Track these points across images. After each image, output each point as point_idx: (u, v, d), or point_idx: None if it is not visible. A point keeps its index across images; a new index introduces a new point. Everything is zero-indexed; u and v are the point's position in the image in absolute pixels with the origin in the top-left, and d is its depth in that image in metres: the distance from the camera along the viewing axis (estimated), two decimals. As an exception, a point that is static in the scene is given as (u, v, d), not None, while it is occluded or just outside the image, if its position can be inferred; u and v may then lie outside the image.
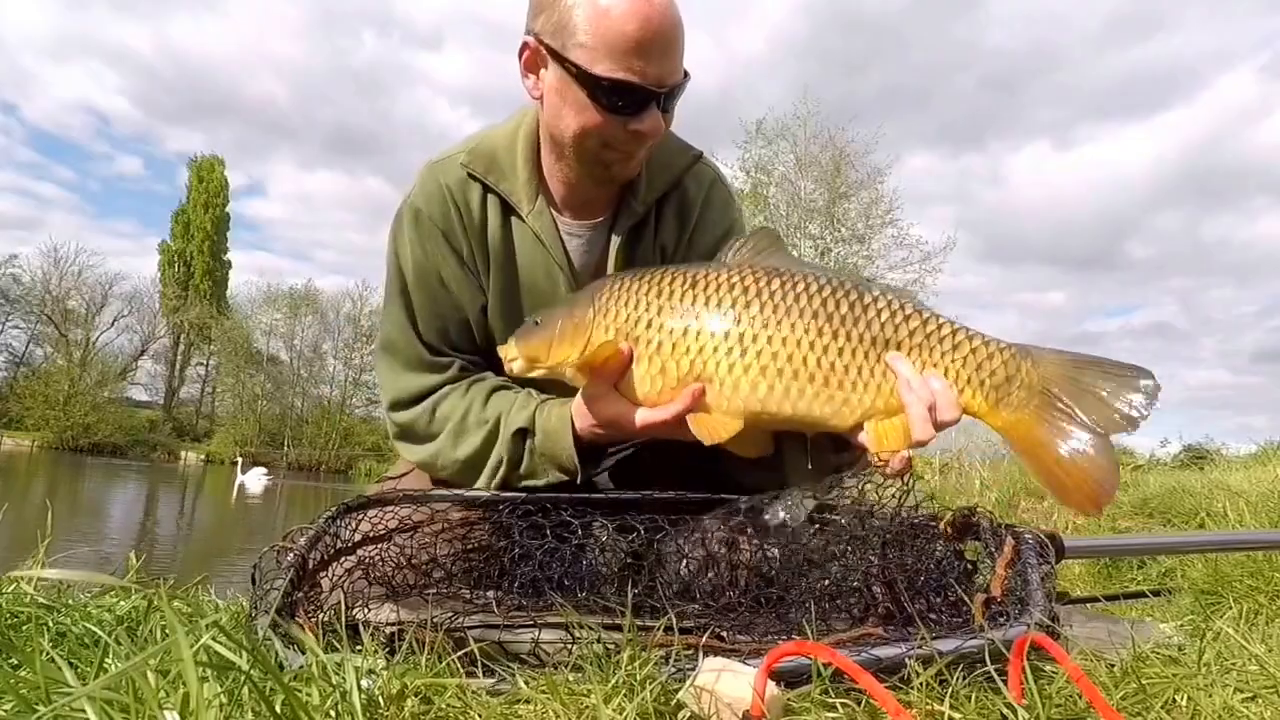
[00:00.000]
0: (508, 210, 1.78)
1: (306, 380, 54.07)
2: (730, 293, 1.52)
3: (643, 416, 1.54)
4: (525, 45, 1.65)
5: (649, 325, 1.54)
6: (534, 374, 1.64)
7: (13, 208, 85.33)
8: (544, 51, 1.62)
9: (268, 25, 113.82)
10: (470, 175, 1.77)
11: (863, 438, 1.49)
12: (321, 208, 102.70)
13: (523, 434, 1.69)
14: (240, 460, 35.07)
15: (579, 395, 1.62)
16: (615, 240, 1.81)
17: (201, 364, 58.19)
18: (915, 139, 77.17)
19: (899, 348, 1.49)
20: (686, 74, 1.64)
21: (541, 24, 1.60)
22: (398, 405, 1.80)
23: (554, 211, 1.81)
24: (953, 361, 1.50)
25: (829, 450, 1.61)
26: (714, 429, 1.50)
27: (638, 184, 1.80)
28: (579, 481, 1.68)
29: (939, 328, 1.51)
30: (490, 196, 1.78)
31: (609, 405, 1.57)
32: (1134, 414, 1.45)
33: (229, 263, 59.85)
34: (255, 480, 30.12)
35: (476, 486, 1.73)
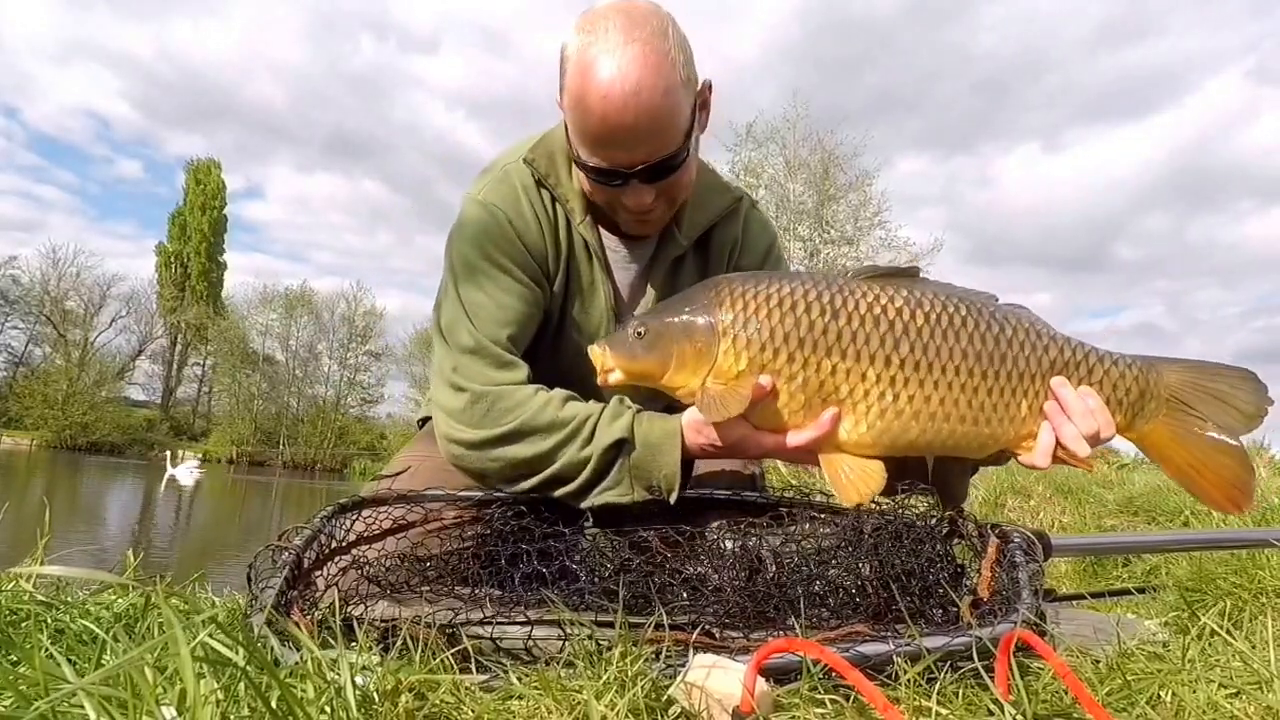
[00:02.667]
0: (566, 214, 1.82)
1: (302, 380, 54.07)
2: (877, 327, 1.46)
3: (776, 441, 1.50)
4: (560, 91, 1.70)
5: (789, 359, 1.46)
6: (633, 384, 1.57)
7: (14, 210, 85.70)
8: (560, 102, 1.68)
9: (266, 30, 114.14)
10: (534, 175, 1.80)
11: (1031, 459, 1.51)
12: (319, 210, 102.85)
13: (620, 445, 1.59)
14: (169, 454, 35.72)
15: (691, 411, 1.55)
16: (657, 269, 1.88)
17: (198, 364, 58.27)
18: (906, 142, 77.39)
19: (1045, 379, 1.51)
20: (683, 148, 1.63)
21: (559, 86, 1.66)
22: (456, 387, 1.69)
23: (600, 227, 1.86)
24: (1092, 385, 1.52)
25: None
26: (856, 484, 1.46)
27: (681, 218, 1.86)
28: (671, 502, 1.59)
29: (1074, 353, 1.54)
30: (553, 197, 1.82)
31: (735, 427, 1.51)
32: (1251, 411, 1.53)
33: (225, 264, 59.90)
34: (186, 473, 30.30)
35: (520, 488, 1.65)
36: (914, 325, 1.47)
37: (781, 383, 1.47)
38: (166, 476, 29.22)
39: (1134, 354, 1.58)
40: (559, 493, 1.63)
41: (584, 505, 1.62)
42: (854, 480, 1.46)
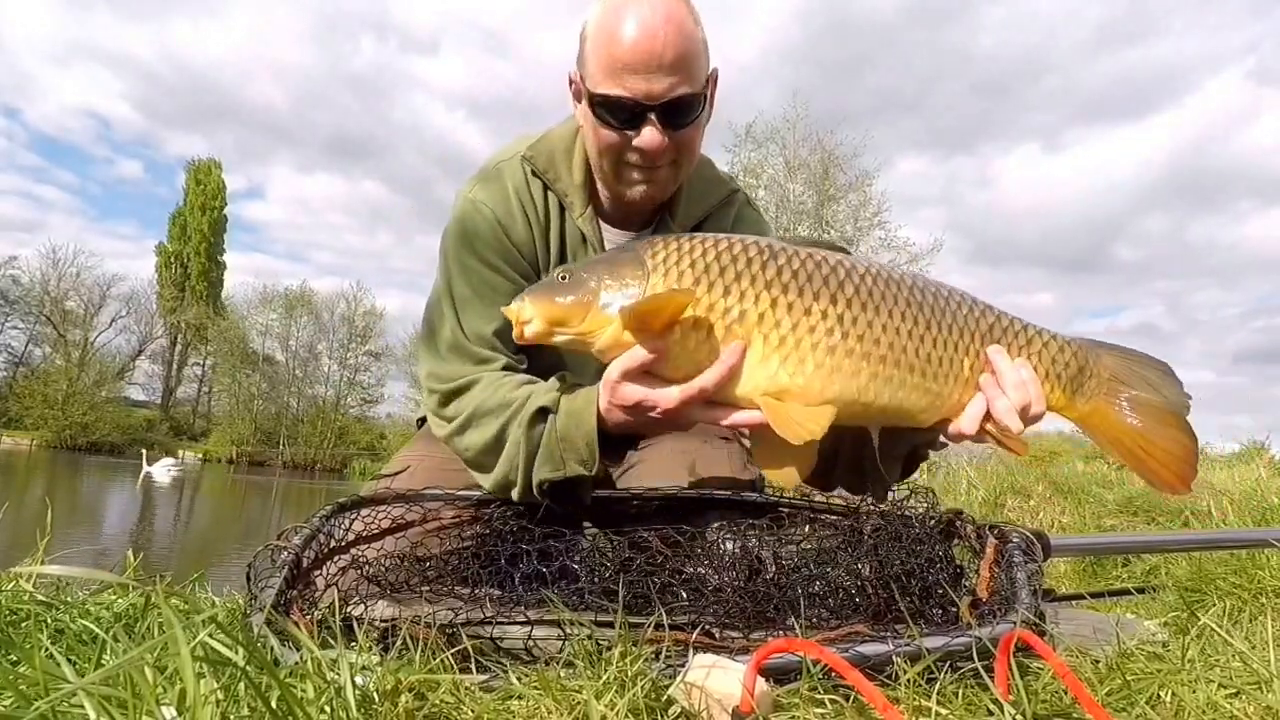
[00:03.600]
0: (562, 209, 1.85)
1: (302, 380, 54.07)
2: (819, 269, 1.38)
3: (683, 390, 1.35)
4: (570, 80, 1.77)
5: (726, 292, 1.34)
6: (554, 340, 1.43)
7: (15, 210, 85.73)
8: (576, 82, 1.74)
9: (268, 31, 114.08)
10: (531, 171, 1.83)
11: (959, 426, 1.45)
12: (319, 210, 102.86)
13: (544, 414, 1.55)
14: (145, 452, 35.52)
15: (608, 371, 1.42)
16: None
17: (198, 364, 58.25)
18: (907, 143, 77.34)
19: (983, 341, 1.46)
20: (701, 95, 1.66)
21: (576, 58, 1.73)
22: (431, 390, 1.74)
23: (600, 219, 1.88)
24: (1029, 356, 1.48)
25: (899, 445, 1.57)
26: (804, 422, 1.31)
27: (676, 205, 1.88)
28: (595, 475, 1.53)
29: (1012, 323, 1.50)
30: (550, 193, 1.85)
31: (639, 384, 1.40)
32: (1183, 398, 1.51)
33: (225, 264, 59.94)
34: (162, 471, 30.61)
35: (492, 481, 1.62)
36: (856, 273, 1.40)
37: (726, 321, 1.34)
38: (143, 474, 29.36)
39: (1074, 335, 1.54)
40: (516, 490, 1.59)
41: (530, 492, 1.56)
42: (801, 419, 1.32)
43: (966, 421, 1.44)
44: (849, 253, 1.47)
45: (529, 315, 1.40)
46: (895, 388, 1.39)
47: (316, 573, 1.44)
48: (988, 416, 1.44)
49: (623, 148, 1.69)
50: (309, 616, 1.22)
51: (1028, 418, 1.44)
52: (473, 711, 0.98)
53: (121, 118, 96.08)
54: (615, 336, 1.36)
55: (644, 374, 1.39)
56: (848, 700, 1.00)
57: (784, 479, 1.43)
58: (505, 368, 1.72)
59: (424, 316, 1.86)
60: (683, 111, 1.65)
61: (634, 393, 1.39)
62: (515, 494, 1.60)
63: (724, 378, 1.33)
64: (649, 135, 1.65)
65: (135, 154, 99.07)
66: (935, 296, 1.45)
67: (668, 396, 1.37)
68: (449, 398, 1.70)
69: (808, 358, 1.34)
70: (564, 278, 1.41)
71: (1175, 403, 1.51)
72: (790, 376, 1.34)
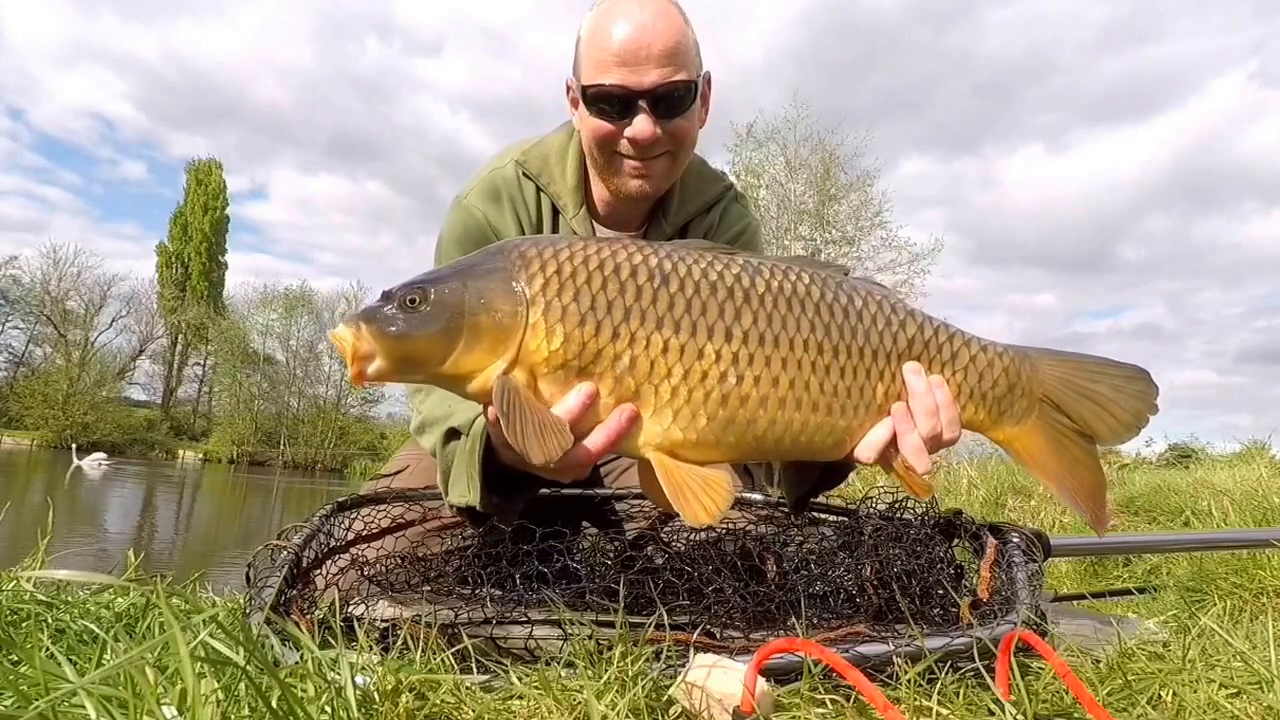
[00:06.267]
0: (555, 211, 1.88)
1: (302, 380, 54.12)
2: (714, 295, 1.21)
3: (566, 455, 1.13)
4: (567, 86, 1.81)
5: (615, 335, 1.16)
6: (405, 381, 1.23)
7: (18, 211, 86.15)
8: (572, 87, 1.78)
9: (272, 32, 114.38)
10: (524, 175, 1.86)
11: (858, 456, 1.30)
12: (322, 211, 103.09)
13: (454, 436, 1.46)
14: (75, 446, 35.81)
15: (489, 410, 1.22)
16: None
17: (199, 364, 58.35)
18: (910, 143, 77.37)
19: (900, 360, 1.30)
20: (692, 85, 1.69)
21: (572, 64, 1.77)
22: (414, 425, 1.72)
23: (593, 220, 1.91)
24: (953, 373, 1.33)
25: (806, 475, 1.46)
26: (702, 500, 1.15)
27: (669, 205, 1.90)
28: (481, 509, 1.39)
29: (935, 334, 1.34)
30: (543, 196, 1.88)
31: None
32: (1130, 419, 1.35)
33: (226, 264, 59.98)
34: (92, 465, 30.74)
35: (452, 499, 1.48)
36: (755, 293, 1.23)
37: (605, 365, 1.17)
38: (72, 468, 29.50)
39: (1009, 344, 1.38)
40: (447, 492, 1.47)
41: (454, 508, 1.45)
42: (698, 494, 1.16)
43: (865, 450, 1.28)
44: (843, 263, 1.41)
45: (368, 349, 1.15)
46: (798, 430, 1.24)
47: (316, 572, 1.44)
48: (894, 446, 1.28)
49: (615, 138, 1.71)
50: (309, 616, 1.22)
51: (938, 446, 1.30)
52: (473, 711, 0.98)
53: (125, 119, 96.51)
54: (484, 390, 1.16)
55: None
56: (848, 700, 1.00)
57: (705, 520, 1.18)
58: None
59: None
60: (673, 102, 1.68)
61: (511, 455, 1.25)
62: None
63: (612, 442, 1.17)
64: (640, 123, 1.67)
65: (139, 155, 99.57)
66: (846, 313, 1.27)
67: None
68: (422, 394, 1.70)
69: (699, 411, 1.19)
70: (414, 300, 1.16)
71: (1120, 423, 1.35)
72: (683, 432, 1.19)
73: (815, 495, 1.52)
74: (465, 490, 1.40)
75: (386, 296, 1.18)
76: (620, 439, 1.17)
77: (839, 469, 1.44)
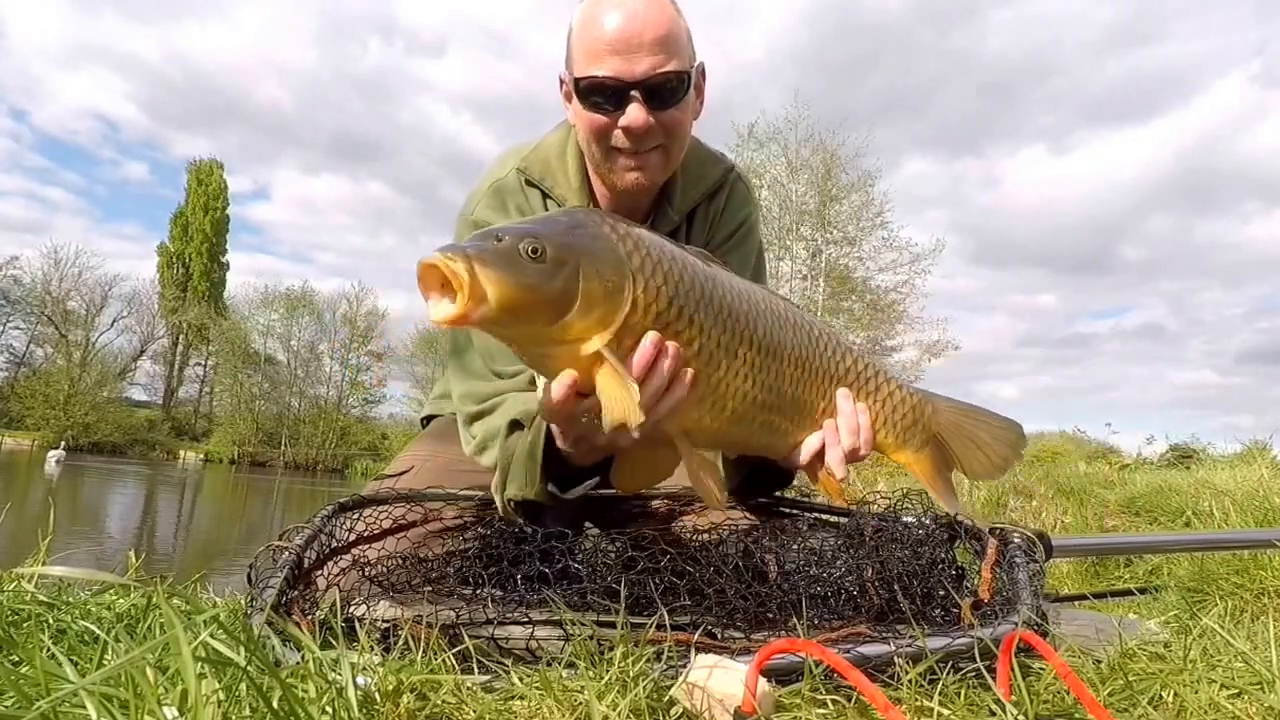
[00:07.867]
0: None
1: (303, 380, 54.15)
2: (739, 304, 1.33)
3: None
4: (561, 81, 1.80)
5: (690, 322, 1.24)
6: (494, 333, 1.17)
7: (21, 211, 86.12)
8: (565, 81, 1.76)
9: (274, 33, 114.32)
10: (527, 182, 1.86)
11: (794, 460, 1.50)
12: (324, 211, 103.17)
13: (516, 428, 1.52)
14: (60, 446, 36.58)
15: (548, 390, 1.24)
16: None
17: (200, 364, 58.42)
18: (912, 144, 77.14)
19: (836, 384, 1.50)
20: (685, 75, 1.68)
21: (565, 59, 1.76)
22: (464, 411, 1.77)
23: None
24: (873, 402, 1.54)
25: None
26: (717, 493, 1.33)
27: (673, 193, 1.89)
28: (545, 503, 1.46)
29: (865, 368, 1.55)
30: (548, 200, 1.87)
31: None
32: (999, 463, 1.62)
33: (227, 264, 60.03)
34: (51, 463, 30.95)
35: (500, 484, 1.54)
36: (760, 309, 1.37)
37: (684, 345, 1.23)
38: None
39: (918, 388, 1.64)
40: (503, 491, 1.52)
41: (509, 503, 1.51)
42: (712, 477, 1.32)
43: (803, 454, 1.48)
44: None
45: (479, 289, 1.05)
46: (772, 430, 1.43)
47: (318, 573, 1.44)
48: (820, 456, 1.48)
49: (609, 129, 1.70)
50: (310, 617, 1.22)
51: (854, 459, 1.51)
52: (474, 712, 0.98)
53: (128, 119, 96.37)
54: (574, 358, 1.14)
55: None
56: (850, 701, 1.00)
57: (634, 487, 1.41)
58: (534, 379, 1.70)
59: (449, 334, 1.88)
60: (666, 92, 1.67)
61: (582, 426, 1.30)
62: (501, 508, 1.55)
63: (669, 406, 1.21)
64: (634, 113, 1.66)
65: (141, 155, 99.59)
66: (809, 336, 1.46)
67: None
68: (475, 418, 1.73)
69: (727, 403, 1.30)
70: (535, 251, 1.09)
71: (990, 463, 1.61)
72: (711, 419, 1.28)
73: (763, 495, 1.72)
74: (524, 484, 1.46)
75: (494, 237, 1.10)
76: (674, 407, 1.22)
77: (784, 472, 1.66)
